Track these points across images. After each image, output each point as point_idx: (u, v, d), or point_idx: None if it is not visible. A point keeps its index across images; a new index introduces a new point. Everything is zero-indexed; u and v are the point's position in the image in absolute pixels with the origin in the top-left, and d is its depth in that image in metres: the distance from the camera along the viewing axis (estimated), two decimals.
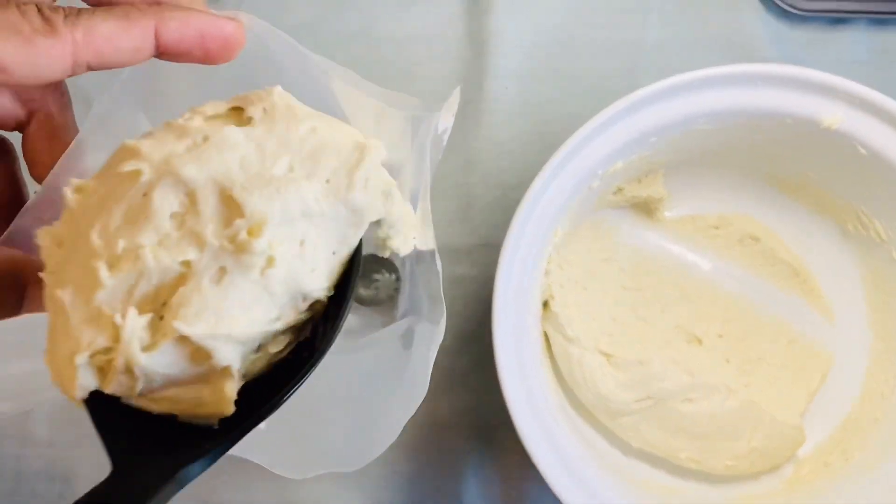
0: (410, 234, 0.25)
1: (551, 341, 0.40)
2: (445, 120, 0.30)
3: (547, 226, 0.35)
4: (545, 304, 0.40)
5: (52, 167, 0.25)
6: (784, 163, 0.40)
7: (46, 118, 0.26)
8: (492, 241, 0.44)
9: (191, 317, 0.20)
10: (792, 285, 0.42)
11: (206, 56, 0.24)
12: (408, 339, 0.35)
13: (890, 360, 0.40)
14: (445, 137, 0.30)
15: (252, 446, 0.29)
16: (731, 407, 0.39)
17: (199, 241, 0.20)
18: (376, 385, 0.34)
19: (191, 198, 0.21)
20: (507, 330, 0.34)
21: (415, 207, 0.28)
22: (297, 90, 0.25)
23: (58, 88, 0.26)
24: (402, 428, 0.30)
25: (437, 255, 0.30)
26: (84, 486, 0.46)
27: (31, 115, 0.26)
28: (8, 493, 0.43)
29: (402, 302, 0.40)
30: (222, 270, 0.21)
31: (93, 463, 0.43)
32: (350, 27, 0.46)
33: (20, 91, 0.25)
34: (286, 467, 0.30)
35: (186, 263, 0.20)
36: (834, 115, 0.35)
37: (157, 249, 0.20)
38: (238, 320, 0.21)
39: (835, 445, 0.40)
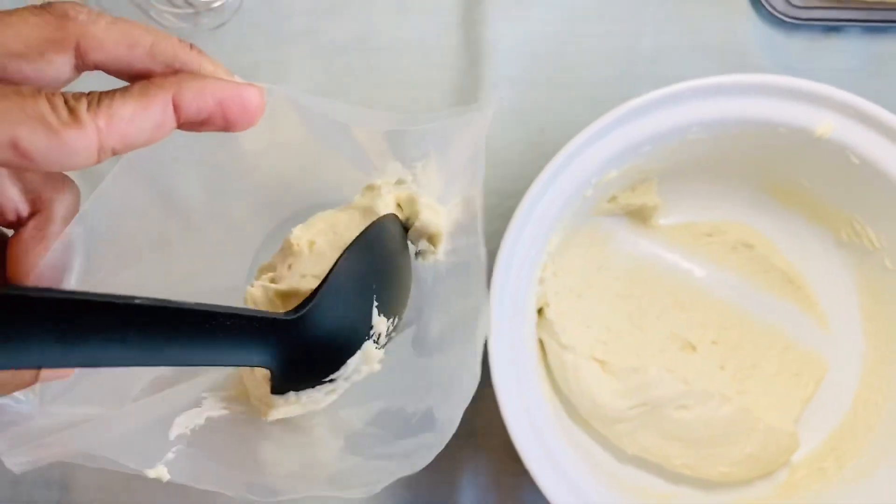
0: (433, 236, 0.33)
1: (546, 349, 0.40)
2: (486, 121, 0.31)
3: (542, 234, 0.36)
4: (540, 312, 0.40)
5: (30, 274, 0.25)
6: (777, 171, 0.40)
7: (46, 222, 0.25)
8: (488, 249, 0.44)
9: (279, 281, 0.31)
10: (786, 292, 0.43)
11: (226, 124, 0.24)
12: (419, 345, 0.36)
13: (883, 367, 0.41)
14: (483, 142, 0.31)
15: (320, 483, 0.31)
16: (725, 413, 0.39)
17: (272, 269, 0.31)
18: (404, 389, 0.34)
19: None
20: (502, 337, 0.34)
21: (470, 211, 0.32)
22: (323, 144, 0.32)
23: (71, 192, 0.26)
24: (459, 417, 0.30)
25: (484, 252, 0.31)
26: (82, 494, 0.46)
27: (32, 214, 0.25)
28: (6, 500, 0.43)
29: None
30: (290, 265, 0.31)
31: (90, 471, 0.43)
32: (347, 36, 0.46)
33: (31, 187, 0.25)
34: (355, 489, 0.31)
35: (272, 279, 0.31)
36: (826, 125, 0.36)
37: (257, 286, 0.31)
38: (310, 272, 0.30)
39: (829, 451, 0.40)
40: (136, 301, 0.22)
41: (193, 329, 0.23)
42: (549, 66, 0.46)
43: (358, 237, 0.29)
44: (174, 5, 0.45)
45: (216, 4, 0.46)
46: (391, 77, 0.46)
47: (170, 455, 0.29)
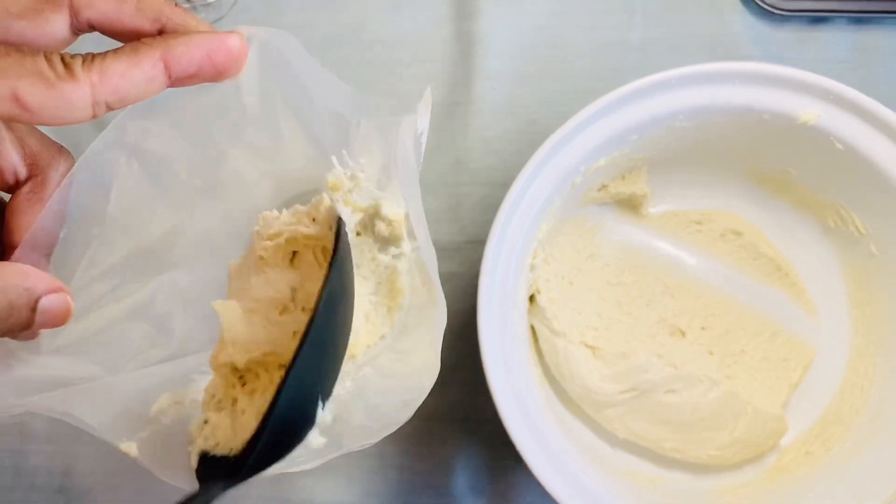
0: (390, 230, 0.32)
1: (538, 335, 0.41)
2: (423, 119, 0.31)
3: (531, 222, 0.36)
4: (532, 299, 0.41)
5: (27, 231, 0.27)
6: (764, 159, 0.41)
7: (42, 185, 0.27)
8: (480, 238, 0.44)
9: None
10: (774, 279, 0.43)
11: (216, 72, 0.26)
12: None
13: (870, 352, 0.41)
14: (424, 138, 0.31)
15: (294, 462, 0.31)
16: (713, 398, 0.40)
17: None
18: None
19: None
20: (493, 325, 0.35)
21: (409, 209, 0.31)
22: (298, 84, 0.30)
23: (66, 159, 0.28)
24: (417, 406, 0.30)
25: (431, 245, 0.31)
26: (83, 480, 0.47)
27: (30, 178, 0.27)
28: (8, 487, 0.44)
29: None
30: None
31: (91, 457, 0.44)
32: (340, 29, 0.47)
33: (30, 152, 0.27)
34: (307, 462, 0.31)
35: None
36: (810, 111, 0.36)
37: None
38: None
39: (816, 435, 0.41)
40: None
41: None
42: (541, 58, 0.46)
43: (298, 348, 0.24)
44: None
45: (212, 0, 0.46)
46: (385, 70, 0.46)
47: (143, 434, 0.29)
